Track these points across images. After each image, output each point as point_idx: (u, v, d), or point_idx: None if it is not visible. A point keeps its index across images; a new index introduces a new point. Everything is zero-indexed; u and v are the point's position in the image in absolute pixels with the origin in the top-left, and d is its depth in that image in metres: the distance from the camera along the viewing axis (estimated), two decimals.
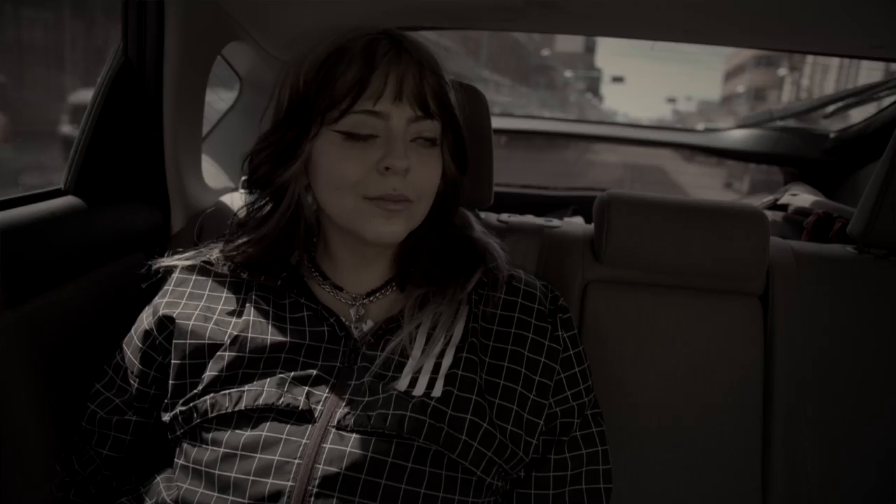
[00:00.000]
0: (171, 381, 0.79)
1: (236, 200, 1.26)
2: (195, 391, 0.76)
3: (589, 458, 0.82)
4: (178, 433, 0.77)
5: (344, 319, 0.80)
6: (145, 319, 0.84)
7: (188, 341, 0.79)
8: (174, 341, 0.80)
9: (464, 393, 0.74)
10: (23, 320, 0.87)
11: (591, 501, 0.81)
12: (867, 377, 1.15)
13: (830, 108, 2.19)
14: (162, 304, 0.83)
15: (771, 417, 1.13)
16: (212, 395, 0.75)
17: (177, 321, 0.80)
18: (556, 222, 1.26)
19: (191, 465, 0.74)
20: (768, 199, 2.00)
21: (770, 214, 1.75)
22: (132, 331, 0.85)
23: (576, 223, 1.33)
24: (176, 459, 0.78)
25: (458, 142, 0.81)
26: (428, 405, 0.72)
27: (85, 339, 0.97)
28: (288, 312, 0.80)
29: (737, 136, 2.42)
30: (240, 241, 0.82)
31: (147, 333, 0.83)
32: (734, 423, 1.14)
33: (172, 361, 0.79)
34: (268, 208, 0.82)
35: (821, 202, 1.78)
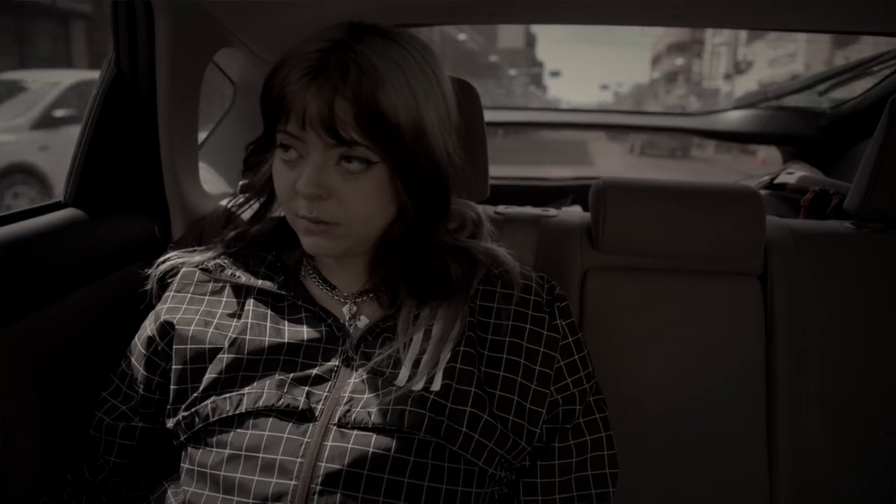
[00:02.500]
0: (172, 387, 0.80)
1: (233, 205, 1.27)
2: (195, 395, 0.77)
3: (593, 444, 0.82)
4: (182, 439, 0.78)
5: (340, 319, 0.81)
6: (147, 326, 0.85)
7: (189, 346, 0.80)
8: (175, 346, 0.81)
9: (462, 386, 0.75)
10: (28, 332, 0.88)
11: (597, 487, 0.82)
12: (869, 351, 1.16)
13: (824, 86, 2.18)
14: (163, 310, 0.84)
15: (774, 396, 1.14)
16: (212, 398, 0.75)
17: (177, 326, 0.81)
18: (552, 212, 1.27)
19: (196, 468, 0.75)
20: (765, 178, 2.00)
21: (762, 193, 1.76)
22: (136, 338, 0.86)
23: (573, 212, 1.34)
24: (182, 464, 0.79)
25: (404, 166, 0.72)
26: (427, 399, 0.73)
27: (90, 348, 0.98)
28: (286, 314, 0.80)
29: (733, 118, 2.42)
30: (236, 238, 0.86)
31: (150, 340, 0.84)
32: (738, 404, 1.14)
33: (173, 367, 0.80)
34: (257, 209, 0.87)
35: (811, 178, 1.78)
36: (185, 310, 0.83)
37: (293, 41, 0.80)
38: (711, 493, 1.13)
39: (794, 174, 1.88)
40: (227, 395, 0.75)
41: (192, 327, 0.81)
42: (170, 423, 0.80)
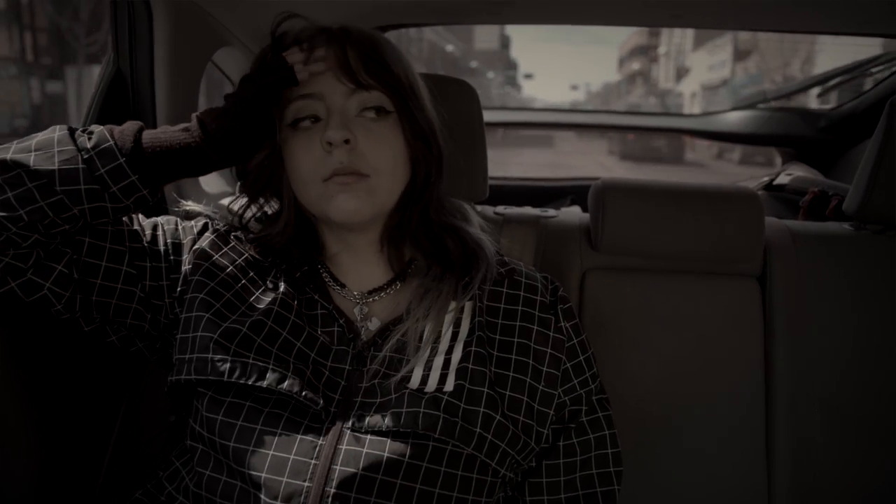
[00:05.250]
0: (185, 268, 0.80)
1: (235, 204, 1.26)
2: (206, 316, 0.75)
3: (597, 442, 0.83)
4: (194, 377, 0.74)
5: (352, 319, 0.80)
6: (192, 225, 0.85)
7: (211, 283, 0.78)
8: (197, 277, 0.79)
9: (475, 386, 0.75)
10: (24, 333, 0.88)
11: (602, 485, 0.82)
12: (868, 353, 1.16)
13: (823, 87, 2.18)
14: (199, 250, 0.81)
15: (773, 397, 1.14)
16: (230, 357, 0.72)
17: (206, 265, 0.80)
18: (552, 212, 1.27)
19: (211, 453, 0.74)
20: (764, 179, 2.00)
21: (761, 194, 1.76)
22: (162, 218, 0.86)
23: (573, 212, 1.34)
24: (191, 442, 0.76)
25: (413, 114, 0.78)
26: (441, 400, 0.73)
27: (85, 350, 0.98)
28: (304, 308, 0.79)
29: (732, 119, 2.42)
30: (258, 231, 0.85)
31: (182, 229, 0.84)
32: (737, 405, 1.14)
33: (195, 262, 0.79)
34: (270, 211, 0.85)
35: (810, 179, 1.78)
36: (218, 257, 0.81)
37: None
38: (709, 496, 1.13)
39: (792, 175, 1.88)
40: (249, 360, 0.72)
41: (221, 274, 0.79)
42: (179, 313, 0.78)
